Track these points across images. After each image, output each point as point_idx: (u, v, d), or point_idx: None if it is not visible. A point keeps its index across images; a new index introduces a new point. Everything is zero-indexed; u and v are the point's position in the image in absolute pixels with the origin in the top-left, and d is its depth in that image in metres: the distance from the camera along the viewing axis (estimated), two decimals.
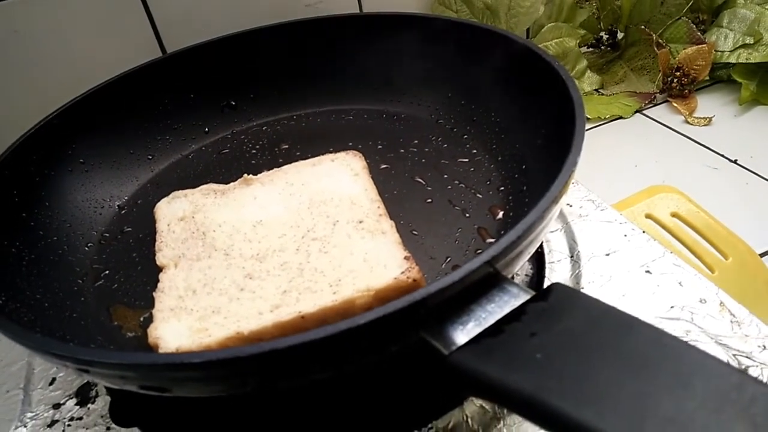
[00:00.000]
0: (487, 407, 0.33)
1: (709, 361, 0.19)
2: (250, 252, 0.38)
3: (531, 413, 0.20)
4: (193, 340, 0.32)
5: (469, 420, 0.33)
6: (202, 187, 0.44)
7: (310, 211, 0.40)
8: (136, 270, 0.41)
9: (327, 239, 0.37)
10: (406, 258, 0.34)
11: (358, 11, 0.66)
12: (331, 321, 0.31)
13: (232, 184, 0.44)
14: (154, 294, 0.36)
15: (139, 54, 0.56)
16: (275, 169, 0.45)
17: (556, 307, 0.23)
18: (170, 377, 0.26)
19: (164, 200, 0.43)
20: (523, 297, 0.25)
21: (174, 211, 0.42)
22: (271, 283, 0.35)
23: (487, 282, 0.26)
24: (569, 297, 0.24)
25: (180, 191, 0.44)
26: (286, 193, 0.42)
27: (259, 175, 0.44)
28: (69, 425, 0.36)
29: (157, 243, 0.40)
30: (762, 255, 0.49)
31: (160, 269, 0.38)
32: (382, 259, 0.35)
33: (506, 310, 0.25)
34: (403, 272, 0.33)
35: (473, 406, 0.33)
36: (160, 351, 0.32)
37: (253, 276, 0.36)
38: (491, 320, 0.24)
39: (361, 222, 0.38)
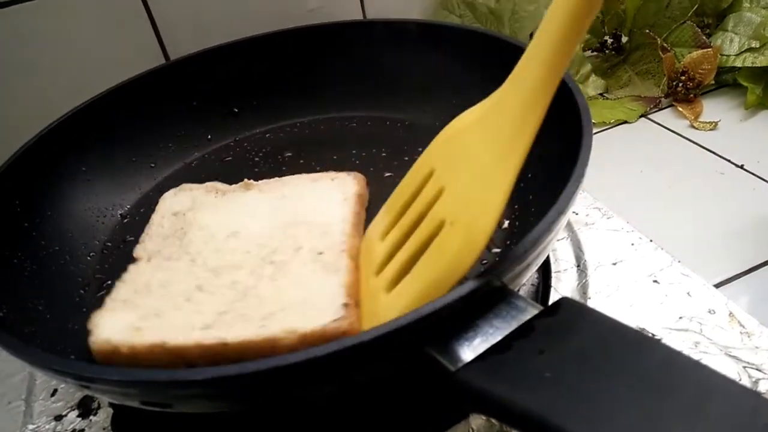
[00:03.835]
0: (493, 421, 0.32)
1: (723, 383, 0.18)
2: (212, 263, 0.37)
3: None
4: (124, 336, 0.32)
5: None
6: (207, 183, 0.44)
7: (284, 231, 0.39)
8: None
9: (283, 266, 0.36)
10: (345, 305, 0.32)
11: (361, 17, 0.65)
12: (251, 356, 0.30)
13: (234, 186, 0.44)
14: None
15: (143, 61, 0.56)
16: (276, 179, 0.44)
17: (565, 324, 0.23)
18: (172, 394, 0.25)
19: (171, 191, 0.44)
20: (530, 312, 0.25)
21: (172, 205, 0.43)
22: (214, 301, 0.34)
23: (494, 296, 0.26)
24: (578, 313, 0.23)
25: (188, 185, 0.45)
26: (274, 206, 0.41)
27: (260, 182, 0.44)
28: None
29: (143, 234, 0.40)
30: None
31: (133, 259, 0.38)
32: (322, 301, 0.33)
33: (514, 325, 0.24)
34: (334, 320, 0.31)
35: (479, 419, 0.32)
36: (91, 338, 0.32)
37: (203, 289, 0.35)
38: (498, 336, 0.24)
39: (321, 254, 0.36)
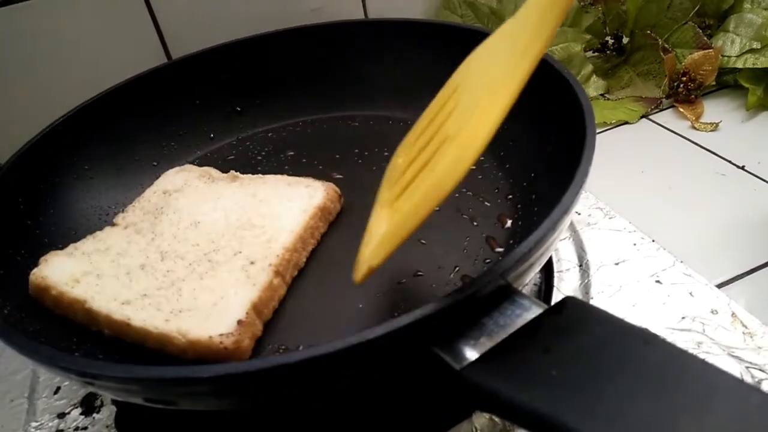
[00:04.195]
0: (496, 419, 0.32)
1: (728, 381, 0.19)
2: (165, 247, 0.39)
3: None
4: (59, 281, 0.36)
5: None
6: (205, 168, 0.47)
7: (235, 231, 0.40)
8: None
9: (216, 267, 0.37)
10: (239, 322, 0.33)
11: (363, 17, 0.66)
12: (150, 343, 0.33)
13: (224, 174, 0.45)
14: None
15: (145, 60, 0.56)
16: (259, 176, 0.45)
17: (570, 322, 0.23)
18: (176, 391, 0.25)
19: (174, 170, 0.47)
20: (535, 311, 0.25)
21: (166, 183, 0.45)
22: (146, 282, 0.36)
23: (499, 295, 0.26)
24: (583, 312, 0.23)
25: (190, 166, 0.47)
26: (240, 204, 0.42)
27: (245, 176, 0.45)
28: None
29: (131, 204, 0.44)
30: None
31: (113, 223, 0.42)
32: (224, 312, 0.34)
33: (518, 324, 0.24)
34: (221, 335, 0.32)
35: (483, 418, 0.32)
36: (35, 269, 0.36)
37: (144, 268, 0.38)
38: (503, 335, 0.24)
39: (252, 263, 0.37)
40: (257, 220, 0.40)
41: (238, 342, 0.32)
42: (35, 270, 0.37)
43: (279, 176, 0.45)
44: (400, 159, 0.34)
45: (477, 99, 0.27)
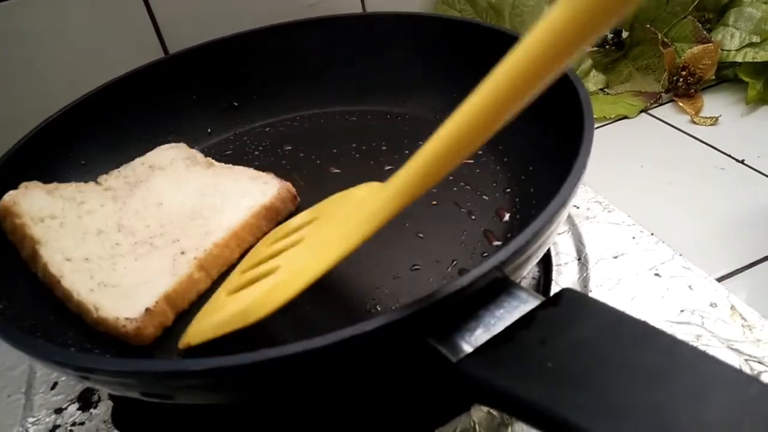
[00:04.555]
0: (494, 413, 0.32)
1: (727, 372, 0.18)
2: (125, 220, 0.41)
3: (543, 424, 0.20)
4: (24, 212, 0.38)
5: (476, 426, 0.32)
6: (194, 150, 0.47)
7: (184, 219, 0.41)
8: None
9: (153, 251, 0.38)
10: (147, 310, 0.34)
11: (361, 11, 0.65)
12: (71, 308, 0.35)
13: (206, 159, 0.46)
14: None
15: (141, 54, 0.56)
16: (229, 166, 0.46)
17: (567, 314, 0.23)
18: (172, 385, 0.25)
19: (169, 145, 0.48)
20: (532, 302, 0.24)
21: (155, 157, 0.46)
22: (93, 248, 0.38)
23: (496, 287, 0.25)
24: (580, 303, 0.23)
25: (183, 145, 0.48)
26: (201, 193, 0.43)
27: (217, 164, 0.46)
28: (71, 430, 0.36)
29: (119, 168, 0.45)
30: None
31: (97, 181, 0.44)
32: (139, 296, 0.35)
33: (515, 316, 0.24)
34: (126, 318, 0.33)
35: (480, 412, 0.32)
36: (9, 192, 0.39)
37: (100, 234, 0.39)
38: (500, 327, 0.24)
39: (183, 254, 0.38)
40: (206, 211, 0.41)
41: (140, 329, 0.33)
42: (11, 192, 0.39)
43: (245, 169, 0.45)
44: (262, 247, 0.37)
45: (307, 251, 0.31)
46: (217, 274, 0.38)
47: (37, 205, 0.39)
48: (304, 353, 0.23)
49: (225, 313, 0.31)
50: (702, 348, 0.34)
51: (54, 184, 0.42)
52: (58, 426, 0.36)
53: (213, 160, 0.46)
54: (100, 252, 0.38)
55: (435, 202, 0.42)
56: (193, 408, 0.34)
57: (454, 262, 0.37)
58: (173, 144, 0.48)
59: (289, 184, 0.43)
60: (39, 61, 0.56)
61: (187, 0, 0.58)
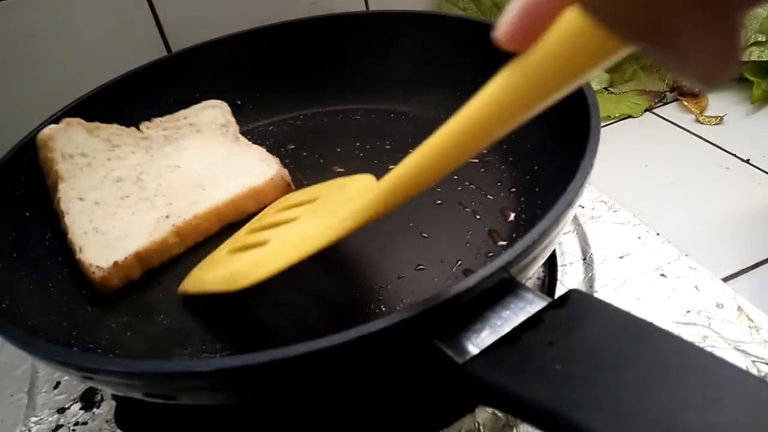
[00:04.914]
0: (499, 414, 0.32)
1: (735, 373, 0.18)
2: (145, 174, 0.43)
3: (550, 426, 0.20)
4: (60, 147, 0.41)
5: (481, 427, 0.32)
6: (231, 120, 0.49)
7: (190, 186, 0.42)
8: None
9: (147, 209, 0.40)
10: (115, 263, 0.37)
11: (364, 9, 0.65)
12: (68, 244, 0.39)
13: (234, 133, 0.48)
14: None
15: (144, 53, 0.55)
16: (252, 144, 0.47)
17: (574, 315, 0.23)
18: (176, 386, 0.25)
19: (215, 102, 0.50)
20: (539, 304, 0.24)
21: (206, 117, 0.48)
22: (107, 193, 0.41)
23: (502, 288, 0.25)
24: (587, 304, 0.23)
25: (227, 109, 0.50)
26: (215, 162, 0.44)
27: (243, 140, 0.47)
28: (74, 430, 0.36)
29: (162, 118, 0.47)
30: None
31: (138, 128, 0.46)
32: (116, 248, 0.38)
33: (522, 317, 0.24)
34: (97, 266, 0.37)
35: (485, 413, 0.32)
36: (50, 126, 0.42)
37: (118, 181, 0.42)
38: (507, 328, 0.23)
39: (167, 218, 0.40)
40: (206, 182, 0.43)
41: (106, 279, 0.37)
42: (52, 125, 0.42)
43: (260, 149, 0.47)
44: (270, 212, 0.40)
45: (299, 232, 0.32)
46: (193, 242, 0.41)
47: (72, 142, 0.42)
48: (310, 354, 0.23)
49: (215, 274, 0.34)
50: (708, 349, 0.34)
51: (96, 124, 0.44)
52: (61, 425, 0.36)
53: (240, 135, 0.48)
54: (110, 199, 0.40)
55: (439, 202, 0.42)
56: (196, 408, 0.34)
57: (459, 262, 0.37)
58: (217, 102, 0.50)
59: (285, 172, 0.44)
60: (41, 59, 0.56)
61: None
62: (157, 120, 0.47)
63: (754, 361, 0.33)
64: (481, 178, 0.43)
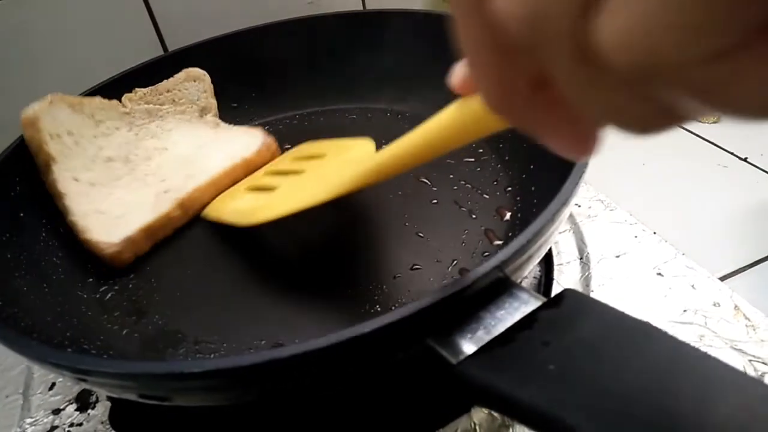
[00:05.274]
0: (495, 414, 0.32)
1: (730, 373, 0.18)
2: (133, 153, 0.44)
3: (544, 427, 0.20)
4: (45, 127, 0.41)
5: (477, 428, 0.32)
6: (214, 105, 0.50)
7: (179, 164, 0.44)
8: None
9: (145, 187, 0.42)
10: (126, 238, 0.39)
11: (361, 8, 0.65)
12: (67, 223, 0.40)
13: (214, 119, 0.49)
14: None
15: (140, 52, 0.55)
16: (233, 127, 0.49)
17: (569, 315, 0.22)
18: (169, 386, 0.25)
19: (204, 75, 0.50)
20: (533, 303, 0.24)
21: (189, 95, 0.49)
22: (100, 173, 0.42)
23: (497, 288, 0.25)
24: (582, 304, 0.23)
25: (213, 100, 0.50)
26: (200, 144, 0.46)
27: (223, 125, 0.49)
28: (69, 431, 0.36)
29: (157, 86, 0.48)
30: None
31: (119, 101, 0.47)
32: (122, 225, 0.39)
33: (516, 317, 0.24)
34: (106, 243, 0.38)
35: (481, 413, 0.32)
36: (32, 105, 0.41)
37: (109, 160, 0.43)
38: (501, 328, 0.23)
39: (166, 192, 0.42)
40: (196, 158, 0.45)
41: (119, 253, 0.39)
42: (35, 105, 0.41)
43: (242, 127, 0.49)
44: (287, 159, 0.45)
45: (301, 186, 0.38)
46: (194, 213, 0.43)
47: (58, 119, 0.42)
48: (303, 354, 0.22)
49: (233, 207, 0.41)
50: (705, 348, 0.33)
51: (78, 98, 0.44)
52: (56, 427, 0.36)
53: (219, 121, 0.49)
54: (103, 180, 0.42)
55: (435, 201, 0.42)
56: (191, 409, 0.34)
57: (455, 262, 0.37)
58: (198, 73, 0.50)
59: (270, 141, 0.47)
60: (36, 58, 0.55)
61: None
62: (140, 92, 0.48)
63: (750, 360, 0.32)
64: (477, 178, 0.43)
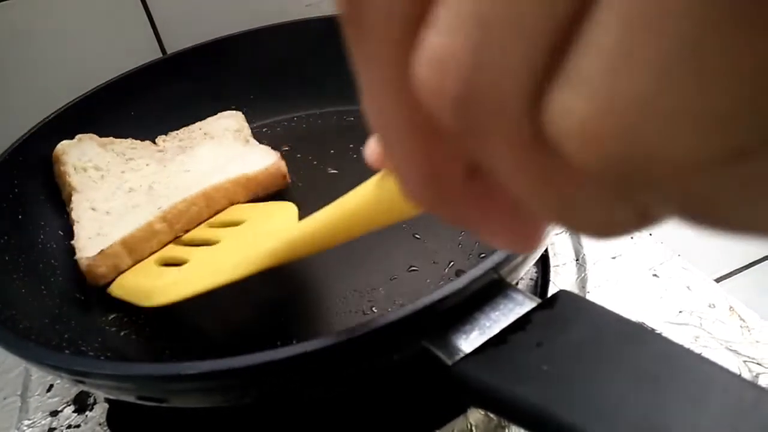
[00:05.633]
0: (491, 415, 0.32)
1: (723, 375, 0.18)
2: (157, 182, 0.42)
3: (537, 426, 0.20)
4: (71, 161, 0.42)
5: (473, 428, 0.32)
6: (246, 126, 0.49)
7: (185, 183, 0.42)
8: None
9: (146, 205, 0.40)
10: (101, 252, 0.37)
11: None
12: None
13: (245, 136, 0.48)
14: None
15: (139, 55, 0.55)
16: (259, 144, 0.47)
17: (563, 316, 0.23)
18: (166, 388, 0.25)
19: (229, 113, 0.50)
20: (528, 305, 0.24)
21: (221, 126, 0.48)
22: (119, 203, 0.41)
23: (492, 289, 0.25)
24: (576, 305, 0.23)
25: (241, 117, 0.50)
26: (223, 162, 0.44)
27: (252, 141, 0.47)
28: None
29: (184, 129, 0.49)
30: None
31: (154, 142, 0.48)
32: (104, 236, 0.38)
33: (511, 318, 0.24)
34: (86, 257, 0.37)
35: (477, 414, 0.32)
36: (62, 141, 0.43)
37: (130, 191, 0.42)
38: (496, 329, 0.24)
39: (159, 208, 0.40)
40: (205, 173, 0.43)
41: (92, 267, 0.36)
42: (66, 141, 0.43)
43: (266, 148, 0.46)
44: (204, 226, 0.41)
45: (214, 260, 0.34)
46: (182, 229, 0.40)
47: (86, 156, 0.43)
48: (299, 356, 0.23)
49: (136, 283, 0.36)
50: (700, 349, 0.34)
51: (110, 138, 0.45)
52: (54, 429, 0.36)
53: (251, 138, 0.48)
54: (121, 208, 0.40)
55: None
56: (189, 411, 0.34)
57: (451, 264, 0.37)
58: (232, 112, 0.50)
59: (282, 163, 0.44)
60: (35, 61, 0.55)
61: (184, 0, 0.58)
62: (173, 133, 0.48)
63: (745, 361, 0.33)
64: None
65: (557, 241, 0.42)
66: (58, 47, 0.56)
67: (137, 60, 0.52)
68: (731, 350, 0.33)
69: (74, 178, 0.41)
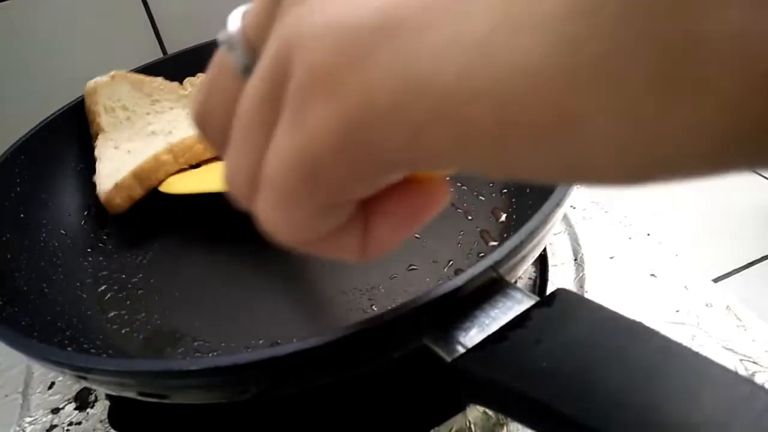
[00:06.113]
0: (490, 413, 0.32)
1: (719, 371, 0.18)
2: (176, 127, 0.44)
3: (537, 422, 0.20)
4: (103, 98, 0.45)
5: (472, 426, 0.32)
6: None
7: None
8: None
9: (149, 142, 0.43)
10: (115, 185, 0.41)
11: None
12: None
13: None
14: None
15: (140, 55, 0.56)
16: None
17: (562, 314, 0.23)
18: (168, 384, 0.25)
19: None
20: (527, 303, 0.25)
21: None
22: (139, 144, 0.43)
23: (491, 287, 0.25)
24: (574, 303, 0.23)
25: None
26: None
27: None
28: (68, 430, 0.36)
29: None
30: None
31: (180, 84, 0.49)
32: (116, 173, 0.41)
33: (510, 316, 0.24)
34: (104, 191, 0.41)
35: (476, 411, 0.32)
36: (95, 78, 0.46)
37: (151, 134, 0.44)
38: (495, 326, 0.24)
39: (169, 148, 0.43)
40: None
41: (109, 199, 0.41)
42: (97, 78, 0.45)
43: None
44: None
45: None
46: (186, 162, 0.43)
47: (116, 95, 0.45)
48: (300, 353, 0.23)
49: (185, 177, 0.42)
50: (697, 348, 0.34)
51: (140, 77, 0.47)
52: (55, 426, 0.36)
53: None
54: (141, 149, 0.43)
55: None
56: (190, 408, 0.34)
57: (451, 263, 0.37)
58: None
59: None
60: (35, 60, 0.56)
61: (185, 0, 0.59)
62: (201, 74, 0.49)
63: (741, 360, 0.33)
64: (474, 180, 0.43)
65: (556, 241, 0.43)
66: (59, 47, 0.56)
67: (137, 60, 0.52)
68: (728, 349, 0.34)
69: (103, 119, 0.44)
